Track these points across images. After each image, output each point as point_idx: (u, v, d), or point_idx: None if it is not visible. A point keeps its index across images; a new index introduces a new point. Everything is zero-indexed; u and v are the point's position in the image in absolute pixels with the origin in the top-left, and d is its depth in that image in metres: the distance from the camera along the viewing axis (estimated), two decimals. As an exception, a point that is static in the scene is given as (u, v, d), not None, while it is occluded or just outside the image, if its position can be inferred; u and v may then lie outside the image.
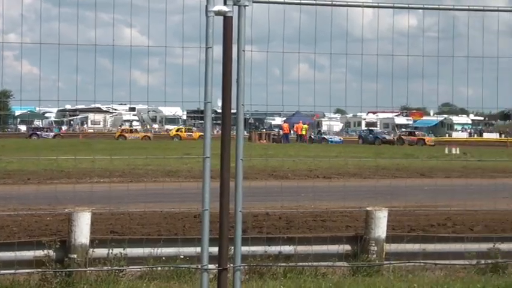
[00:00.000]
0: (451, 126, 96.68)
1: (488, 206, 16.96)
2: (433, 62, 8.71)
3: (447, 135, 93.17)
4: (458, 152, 54.87)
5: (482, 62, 8.57)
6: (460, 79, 8.80)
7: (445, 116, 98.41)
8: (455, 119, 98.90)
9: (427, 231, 14.87)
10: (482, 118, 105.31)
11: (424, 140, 77.85)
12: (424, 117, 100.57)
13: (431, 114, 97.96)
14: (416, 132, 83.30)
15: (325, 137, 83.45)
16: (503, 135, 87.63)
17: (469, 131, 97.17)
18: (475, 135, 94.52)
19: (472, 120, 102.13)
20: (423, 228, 15.66)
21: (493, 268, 11.40)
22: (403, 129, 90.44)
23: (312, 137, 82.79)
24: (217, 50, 7.76)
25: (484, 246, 11.83)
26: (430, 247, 11.76)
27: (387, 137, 78.33)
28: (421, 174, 30.25)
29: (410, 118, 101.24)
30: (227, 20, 7.68)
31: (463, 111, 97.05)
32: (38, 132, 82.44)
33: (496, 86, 8.82)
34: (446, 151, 55.44)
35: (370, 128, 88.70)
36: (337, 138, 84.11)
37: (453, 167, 34.04)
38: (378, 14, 8.50)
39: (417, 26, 9.04)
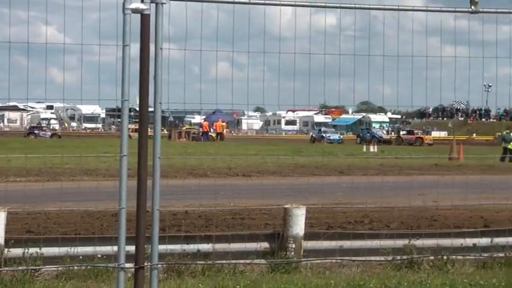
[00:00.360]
0: (369, 124, 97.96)
1: (404, 202, 17.24)
2: (353, 61, 8.81)
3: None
4: (376, 150, 55.70)
5: (397, 61, 8.69)
6: (379, 78, 8.92)
7: (363, 114, 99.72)
8: (373, 117, 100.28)
9: (344, 228, 15.04)
10: (399, 116, 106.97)
11: (422, 138, 77.24)
12: (343, 115, 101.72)
13: (350, 112, 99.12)
14: (415, 131, 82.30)
15: (324, 135, 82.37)
16: (419, 133, 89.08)
17: (386, 129, 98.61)
18: (393, 133, 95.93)
19: (390, 118, 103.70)
20: (341, 225, 15.84)
21: (409, 264, 11.61)
22: (402, 128, 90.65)
23: (313, 135, 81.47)
24: (137, 48, 7.71)
25: (399, 243, 12.03)
26: (347, 244, 11.90)
27: (384, 136, 77.47)
28: (339, 172, 30.54)
29: (329, 116, 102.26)
30: (144, 18, 7.63)
31: (381, 110, 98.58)
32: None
33: (411, 84, 8.95)
34: (365, 149, 56.19)
35: (368, 127, 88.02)
36: (336, 136, 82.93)
37: (371, 165, 34.48)
38: (295, 12, 8.57)
39: (336, 25, 9.13)
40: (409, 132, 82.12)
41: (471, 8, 7.43)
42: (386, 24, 8.38)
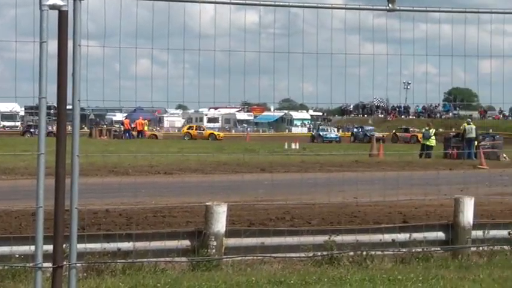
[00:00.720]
0: (290, 122, 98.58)
1: (324, 199, 17.40)
2: (276, 58, 8.85)
3: (287, 130, 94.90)
4: (297, 147, 56.04)
5: (317, 59, 8.75)
6: (301, 75, 8.97)
7: (285, 111, 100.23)
8: (295, 114, 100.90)
9: (266, 225, 15.09)
10: (321, 114, 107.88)
11: (417, 136, 76.33)
12: (265, 113, 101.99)
13: (272, 109, 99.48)
14: (410, 129, 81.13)
15: (321, 133, 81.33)
16: (340, 130, 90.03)
17: (308, 126, 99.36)
18: (314, 130, 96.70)
19: (311, 115, 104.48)
20: (262, 222, 15.88)
21: (329, 260, 11.72)
22: (320, 125, 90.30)
23: (313, 134, 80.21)
24: (56, 45, 7.60)
25: (320, 239, 12.14)
26: (268, 241, 11.97)
27: (377, 135, 76.58)
28: (261, 169, 30.62)
29: (251, 113, 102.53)
30: (62, 14, 7.53)
31: (303, 107, 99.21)
32: None
33: (330, 82, 9.02)
34: (286, 146, 56.49)
35: (362, 125, 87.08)
36: (332, 135, 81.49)
37: (292, 162, 34.68)
38: (215, 9, 8.55)
39: (258, 22, 9.15)
40: (406, 130, 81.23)
41: (388, 6, 7.54)
42: (307, 22, 8.44)
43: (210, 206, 11.86)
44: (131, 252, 11.19)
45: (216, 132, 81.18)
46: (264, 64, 8.95)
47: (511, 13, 7.85)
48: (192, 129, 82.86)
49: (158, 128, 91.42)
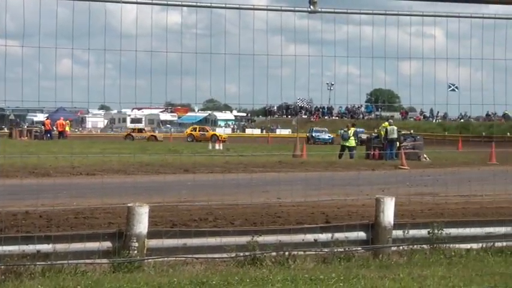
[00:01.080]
0: (215, 122, 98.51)
1: (248, 199, 17.42)
2: (200, 59, 8.80)
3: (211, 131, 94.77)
4: (221, 147, 56.02)
5: (239, 59, 8.74)
6: (225, 76, 8.94)
7: (209, 112, 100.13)
8: (219, 115, 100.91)
9: (188, 226, 15.02)
10: (244, 114, 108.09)
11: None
12: (189, 113, 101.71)
13: (196, 110, 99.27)
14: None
15: (313, 134, 79.43)
16: (264, 131, 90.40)
17: (232, 126, 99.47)
18: (238, 130, 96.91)
19: (235, 116, 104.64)
20: (185, 223, 15.80)
21: (251, 260, 11.74)
22: (247, 126, 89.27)
23: (308, 135, 78.61)
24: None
25: (242, 239, 12.16)
26: (190, 242, 11.93)
27: (363, 136, 75.10)
28: (184, 170, 30.49)
29: (175, 114, 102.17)
30: (-22, 12, 7.35)
31: (227, 108, 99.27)
32: None
33: (253, 82, 9.03)
34: (210, 147, 56.40)
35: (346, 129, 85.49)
36: (325, 136, 79.61)
37: (216, 162, 34.63)
38: (137, 10, 8.48)
39: (182, 23, 9.09)
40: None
41: (310, 7, 7.57)
42: (230, 22, 8.43)
43: (131, 207, 11.76)
44: (51, 255, 11.02)
45: (218, 134, 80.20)
46: (187, 65, 8.91)
47: (430, 16, 7.96)
48: (196, 131, 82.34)
49: (81, 129, 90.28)
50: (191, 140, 77.49)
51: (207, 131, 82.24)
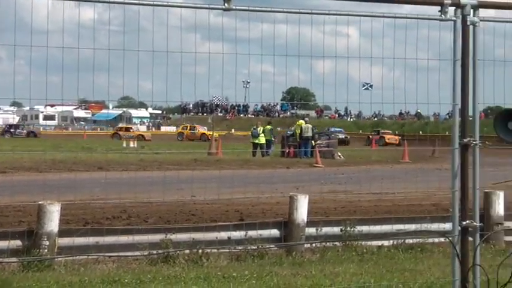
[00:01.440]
0: (129, 120, 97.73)
1: (162, 197, 17.32)
2: (115, 56, 8.69)
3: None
4: (136, 145, 55.63)
5: (153, 56, 8.65)
6: (141, 73, 8.83)
7: (124, 109, 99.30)
8: (134, 112, 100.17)
9: (102, 224, 14.85)
10: (160, 112, 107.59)
11: (384, 138, 73.84)
12: (104, 111, 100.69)
13: (111, 107, 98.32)
14: (382, 131, 78.64)
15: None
16: (180, 128, 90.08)
17: (147, 124, 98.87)
18: (153, 128, 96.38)
19: (150, 113, 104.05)
20: (98, 221, 15.62)
21: (165, 258, 11.67)
22: (162, 124, 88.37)
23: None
24: None
25: (155, 237, 12.08)
26: (103, 240, 11.80)
27: (341, 136, 73.32)
28: (98, 167, 30.16)
29: (90, 111, 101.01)
30: None
31: (142, 105, 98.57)
32: None
33: (166, 80, 8.95)
34: (124, 144, 55.95)
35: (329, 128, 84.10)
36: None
37: (131, 160, 34.36)
38: (48, 4, 8.32)
39: (98, 19, 8.96)
40: (379, 133, 79.35)
41: (224, 5, 7.53)
42: (148, 20, 8.34)
43: (42, 205, 11.58)
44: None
45: (207, 133, 78.95)
46: (101, 61, 8.78)
47: (344, 15, 8.02)
48: (186, 129, 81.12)
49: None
50: (181, 139, 76.75)
51: (198, 130, 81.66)
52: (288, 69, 9.41)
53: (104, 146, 51.05)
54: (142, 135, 77.13)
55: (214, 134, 65.29)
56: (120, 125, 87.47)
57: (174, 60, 9.01)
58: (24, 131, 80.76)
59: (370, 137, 73.08)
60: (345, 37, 8.89)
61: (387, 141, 72.85)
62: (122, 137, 72.53)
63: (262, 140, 44.80)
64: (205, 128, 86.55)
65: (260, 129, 45.34)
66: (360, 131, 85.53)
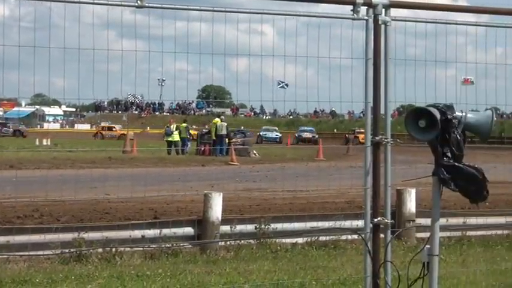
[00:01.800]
0: (42, 117, 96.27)
1: (75, 196, 17.09)
2: (27, 52, 8.54)
3: (39, 126, 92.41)
4: (49, 143, 54.83)
5: (64, 53, 8.53)
6: (53, 70, 8.69)
7: (37, 106, 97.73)
8: (47, 109, 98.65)
9: (13, 223, 14.58)
10: (74, 109, 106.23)
11: (358, 137, 71.97)
12: (16, 108, 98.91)
13: (23, 105, 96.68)
14: (357, 130, 77.10)
15: (261, 133, 76.24)
16: (94, 126, 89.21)
17: (60, 121, 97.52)
18: (67, 126, 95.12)
19: (64, 111, 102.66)
20: (10, 220, 15.33)
21: (77, 257, 11.52)
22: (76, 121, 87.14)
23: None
24: None
25: (68, 236, 11.91)
26: (13, 239, 11.58)
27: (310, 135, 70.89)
28: (10, 166, 29.60)
29: (1, 109, 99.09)
30: None
31: (56, 102, 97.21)
32: None
33: (78, 77, 8.84)
34: (37, 142, 55.09)
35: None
36: (273, 135, 76.82)
37: (44, 158, 33.84)
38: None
39: (9, 16, 8.83)
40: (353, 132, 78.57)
41: (137, 2, 7.47)
42: (59, 16, 8.21)
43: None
44: None
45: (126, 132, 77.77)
46: (13, 58, 8.62)
47: (257, 13, 8.04)
48: (105, 130, 79.66)
49: None
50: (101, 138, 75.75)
51: (116, 130, 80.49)
52: (203, 67, 9.41)
53: (16, 144, 50.15)
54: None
55: (129, 132, 64.75)
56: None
57: (87, 57, 8.91)
58: (11, 129, 78.76)
59: (347, 136, 73.80)
60: (259, 35, 8.91)
61: (361, 140, 73.00)
62: None
63: (176, 137, 44.74)
64: (120, 126, 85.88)
65: (173, 126, 45.30)
66: (335, 130, 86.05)
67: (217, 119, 45.91)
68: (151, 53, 8.94)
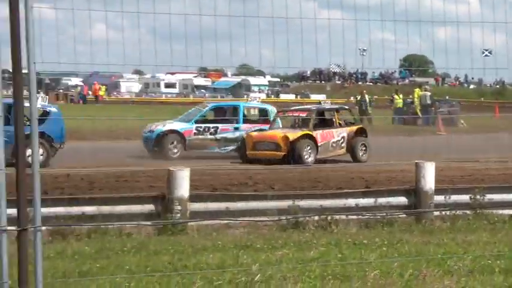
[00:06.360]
0: (248, 88, 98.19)
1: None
2: (234, 24, 8.73)
3: (245, 96, 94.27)
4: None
5: (273, 24, 8.65)
6: (258, 40, 8.87)
7: (243, 77, 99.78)
8: (253, 80, 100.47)
9: (229, 190, 15.00)
10: (278, 79, 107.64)
11: None
12: (222, 79, 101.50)
13: (229, 75, 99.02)
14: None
15: None
16: (299, 96, 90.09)
17: (266, 92, 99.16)
18: (272, 96, 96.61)
19: (269, 81, 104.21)
20: (225, 187, 15.80)
21: (294, 224, 11.71)
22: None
23: None
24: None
25: (284, 204, 12.12)
26: (233, 205, 11.93)
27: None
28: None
29: (209, 79, 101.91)
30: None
31: (260, 73, 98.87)
32: None
33: (287, 47, 8.96)
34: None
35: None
36: None
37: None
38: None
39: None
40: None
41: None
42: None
43: (172, 171, 11.78)
44: (96, 216, 11.09)
45: None
46: (221, 29, 8.83)
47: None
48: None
49: (115, 93, 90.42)
50: None
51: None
52: (405, 37, 9.32)
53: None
54: None
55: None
56: (166, 90, 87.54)
57: (293, 27, 9.01)
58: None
59: None
60: (464, 4, 8.73)
61: None
62: None
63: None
64: (324, 95, 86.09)
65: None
66: (482, 99, 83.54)
67: (417, 89, 45.56)
68: (351, 22, 8.92)
